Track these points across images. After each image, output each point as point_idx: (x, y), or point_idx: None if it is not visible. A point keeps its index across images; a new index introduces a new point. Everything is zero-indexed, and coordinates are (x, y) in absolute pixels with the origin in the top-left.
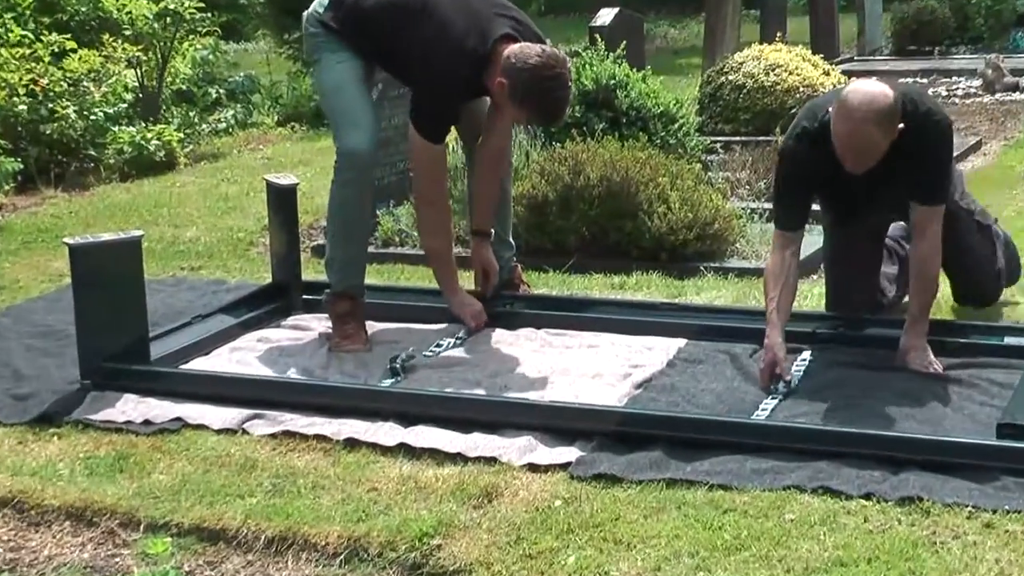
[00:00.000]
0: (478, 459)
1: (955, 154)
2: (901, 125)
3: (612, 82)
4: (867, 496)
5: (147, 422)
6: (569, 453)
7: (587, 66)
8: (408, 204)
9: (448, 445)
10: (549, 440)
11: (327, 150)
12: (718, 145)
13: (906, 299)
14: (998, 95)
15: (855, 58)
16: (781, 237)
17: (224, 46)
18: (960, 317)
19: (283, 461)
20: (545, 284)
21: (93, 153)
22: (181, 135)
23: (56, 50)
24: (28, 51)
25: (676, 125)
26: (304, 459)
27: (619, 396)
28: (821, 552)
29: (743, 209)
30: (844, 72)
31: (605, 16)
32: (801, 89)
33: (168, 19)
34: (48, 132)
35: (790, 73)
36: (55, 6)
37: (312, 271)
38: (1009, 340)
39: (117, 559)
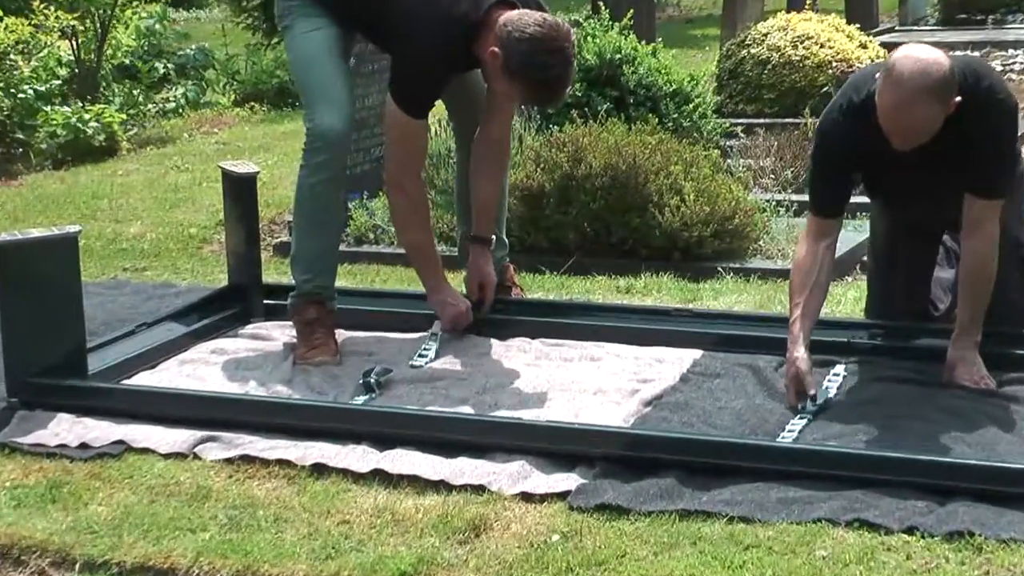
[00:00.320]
0: (464, 487)
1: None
2: (958, 99)
3: (618, 56)
4: (910, 530)
5: (84, 446)
6: (568, 480)
7: (589, 38)
8: (383, 197)
9: (430, 471)
10: (545, 466)
11: (292, 134)
12: (739, 128)
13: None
14: None
15: (896, 28)
16: (816, 224)
17: (173, 14)
18: None
19: (240, 490)
20: (541, 287)
21: (22, 136)
22: (123, 116)
23: None
24: None
25: (690, 106)
26: (265, 488)
27: (625, 415)
28: None
29: (767, 202)
30: (883, 45)
31: None
32: (834, 64)
33: None
34: None
35: (821, 46)
36: None
37: (274, 272)
38: None
39: None
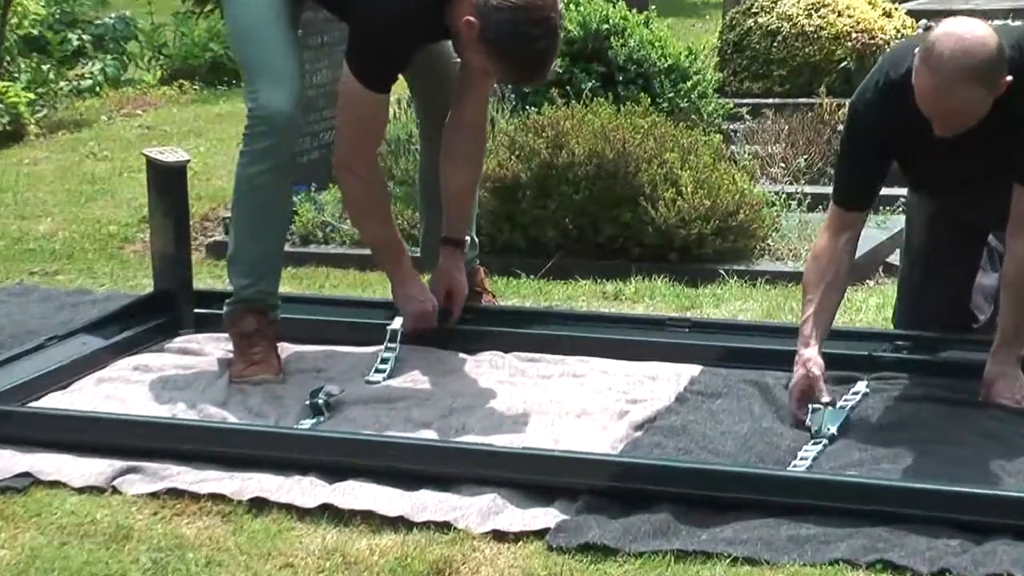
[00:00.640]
0: (427, 525)
1: None
2: (1009, 78)
3: (605, 27)
4: (941, 573)
5: None
6: (547, 516)
7: (572, 6)
8: (335, 188)
9: (387, 506)
10: (520, 499)
11: (228, 116)
12: (744, 110)
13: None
14: None
15: None
16: (838, 216)
17: None
18: None
19: (167, 529)
20: (516, 293)
21: None
22: (31, 96)
23: None
24: None
25: (688, 84)
26: (195, 526)
27: (613, 441)
28: None
29: (776, 194)
30: (910, 13)
31: None
32: (854, 35)
33: None
34: None
35: (839, 14)
36: None
37: (207, 276)
38: None
39: None
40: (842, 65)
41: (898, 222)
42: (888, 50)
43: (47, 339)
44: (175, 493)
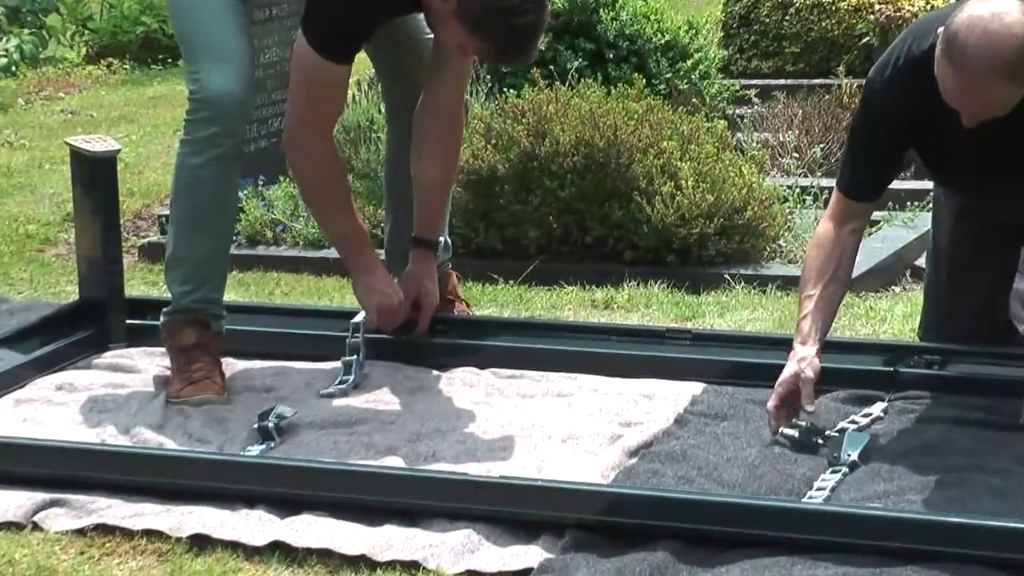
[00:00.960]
0: (392, 565)
1: None
2: None
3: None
4: None
5: None
6: (529, 555)
7: None
8: (286, 182)
9: (346, 544)
10: (499, 535)
11: (163, 100)
12: (752, 92)
13: None
14: None
15: None
16: (843, 204)
17: None
18: None
19: (95, 571)
20: (493, 301)
21: None
22: None
23: None
24: None
25: (688, 63)
26: (128, 566)
27: (604, 469)
28: None
29: (788, 189)
30: None
31: None
32: (877, 7)
33: None
34: None
35: None
36: None
37: (140, 282)
38: None
39: None
40: (863, 41)
41: (926, 220)
42: (916, 22)
43: None
44: (105, 529)
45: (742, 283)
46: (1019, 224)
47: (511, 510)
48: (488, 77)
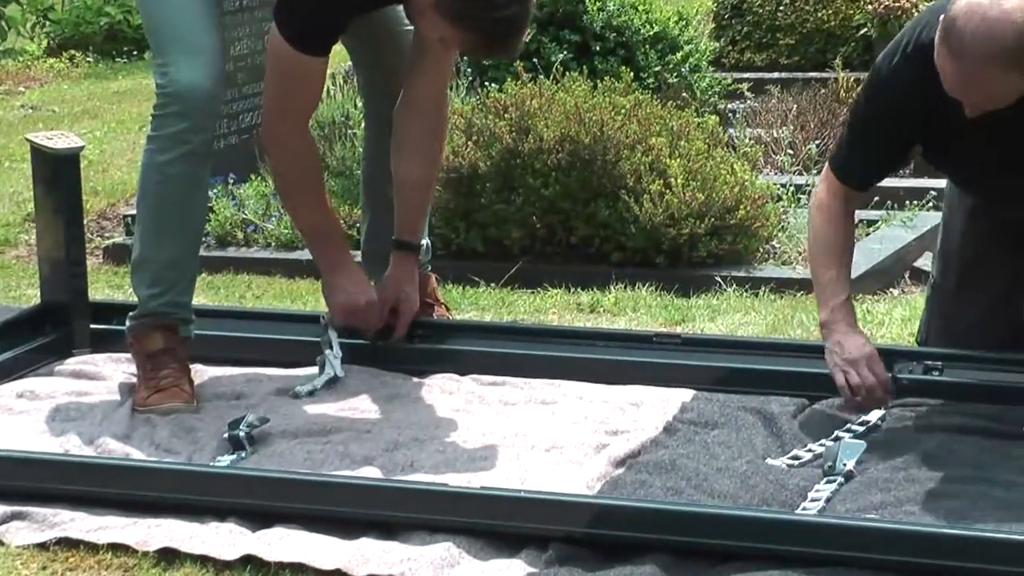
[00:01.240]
0: None
1: None
2: None
3: None
4: None
5: None
6: (512, 569)
7: None
8: (257, 180)
9: (322, 558)
10: (480, 549)
11: (128, 94)
12: (744, 86)
13: None
14: None
15: None
16: (839, 186)
17: None
18: None
19: None
20: (474, 304)
21: None
22: None
23: None
24: None
25: (678, 55)
26: None
27: (589, 479)
28: None
29: (783, 187)
30: None
31: None
32: None
33: None
34: None
35: None
36: None
37: (105, 285)
38: None
39: None
40: (861, 32)
41: (927, 219)
42: (930, 6)
43: None
44: (68, 543)
45: (734, 285)
46: None
47: (492, 522)
48: (469, 70)
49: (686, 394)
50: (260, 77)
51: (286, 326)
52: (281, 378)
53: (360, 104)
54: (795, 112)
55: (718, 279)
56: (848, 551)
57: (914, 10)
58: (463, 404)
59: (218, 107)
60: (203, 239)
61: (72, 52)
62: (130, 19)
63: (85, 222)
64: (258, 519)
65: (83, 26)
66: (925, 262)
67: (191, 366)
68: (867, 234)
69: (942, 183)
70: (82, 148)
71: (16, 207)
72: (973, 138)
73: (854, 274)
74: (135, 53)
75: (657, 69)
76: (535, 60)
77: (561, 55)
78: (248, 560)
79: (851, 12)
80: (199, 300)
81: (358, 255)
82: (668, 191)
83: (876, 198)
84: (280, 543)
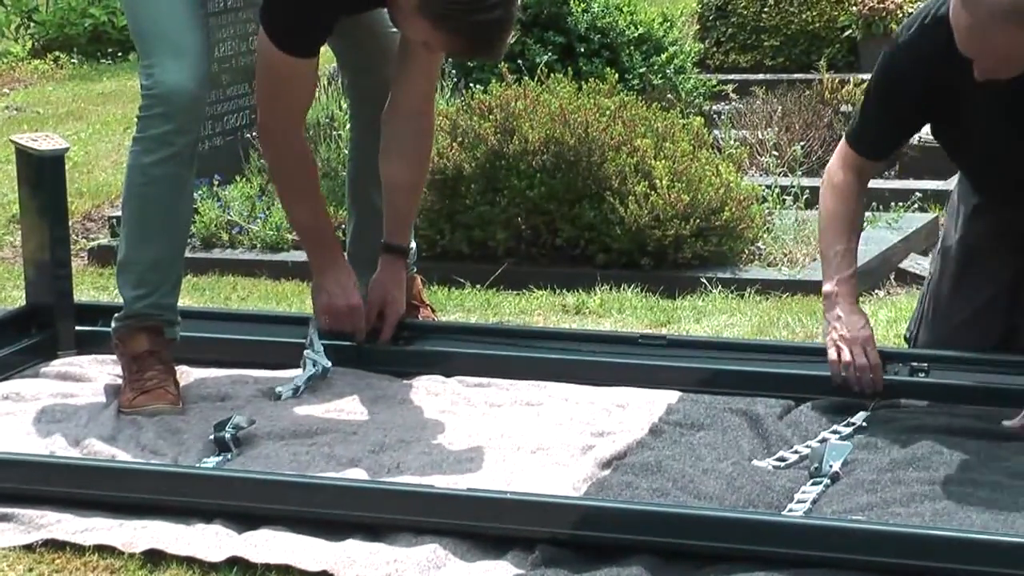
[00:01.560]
0: None
1: None
2: None
3: None
4: None
5: None
6: (497, 570)
7: None
8: (242, 182)
9: (308, 560)
10: (466, 551)
11: (113, 96)
12: (729, 88)
13: None
14: None
15: None
16: (853, 158)
17: None
18: None
19: None
20: (459, 306)
21: None
22: None
23: None
24: None
25: (663, 56)
26: None
27: (575, 481)
28: None
29: (768, 188)
30: None
31: None
32: None
33: None
34: None
35: None
36: None
37: (90, 287)
38: None
39: None
40: (846, 34)
41: (912, 221)
42: None
43: None
44: (54, 545)
45: (719, 287)
46: None
47: (479, 524)
48: (454, 72)
49: (672, 396)
50: (245, 79)
51: (272, 328)
52: (267, 380)
53: (345, 106)
54: (780, 113)
55: (703, 280)
56: (834, 552)
57: (898, 12)
58: (449, 406)
59: (203, 109)
60: (188, 241)
61: (57, 53)
62: (115, 20)
63: (70, 224)
64: (244, 521)
65: (67, 27)
66: (911, 263)
67: (177, 368)
68: None
69: (928, 185)
70: (67, 150)
71: (1, 209)
72: (986, 115)
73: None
74: (120, 55)
75: (642, 71)
76: (520, 62)
77: (546, 57)
78: (234, 562)
79: (836, 14)
80: (184, 302)
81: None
82: (653, 192)
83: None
84: (266, 544)
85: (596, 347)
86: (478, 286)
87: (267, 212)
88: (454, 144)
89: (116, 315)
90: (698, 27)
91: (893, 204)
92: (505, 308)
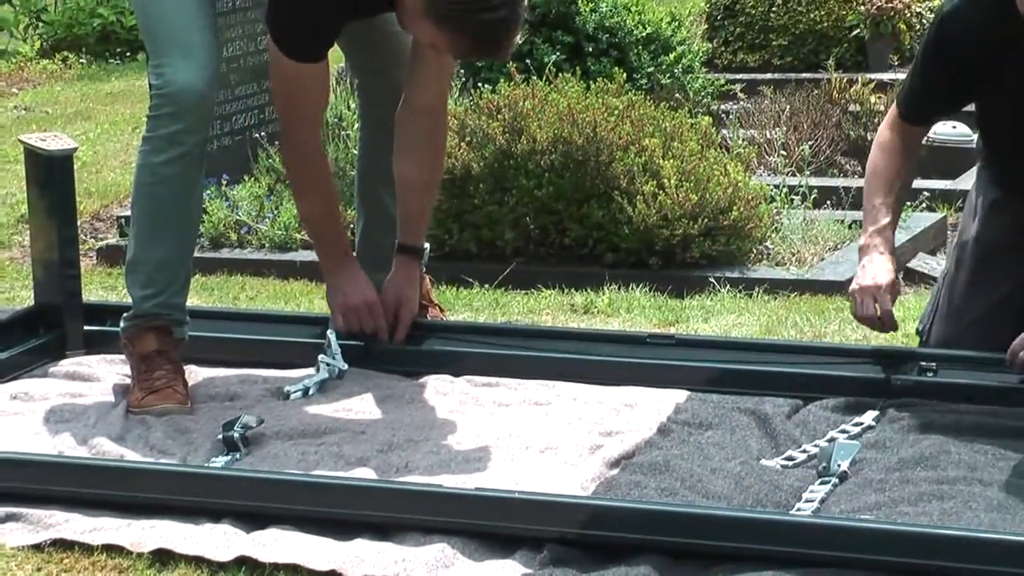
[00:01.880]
0: None
1: None
2: None
3: None
4: None
5: None
6: (506, 570)
7: None
8: (251, 182)
9: (316, 559)
10: (475, 550)
11: (122, 95)
12: (737, 87)
13: None
14: None
15: None
16: (898, 120)
17: None
18: None
19: None
20: (467, 305)
21: None
22: None
23: None
24: None
25: (671, 56)
26: None
27: (583, 480)
28: None
29: (776, 188)
30: None
31: None
32: None
33: None
34: None
35: None
36: None
37: (99, 287)
38: None
39: None
40: (854, 33)
41: (920, 220)
42: None
43: None
44: (63, 545)
45: (727, 286)
46: None
47: (487, 523)
48: (462, 72)
49: (680, 395)
50: (253, 78)
51: (280, 327)
52: (275, 379)
53: (353, 106)
54: (788, 113)
55: (712, 280)
56: (842, 552)
57: (907, 12)
58: (457, 405)
59: (212, 109)
60: (197, 240)
61: (65, 53)
62: (123, 20)
63: (78, 223)
64: (253, 520)
65: (76, 27)
66: (919, 263)
67: (185, 367)
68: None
69: (936, 184)
70: (75, 149)
71: (9, 209)
72: None
73: (845, 276)
74: (128, 54)
75: (650, 70)
76: (528, 61)
77: (554, 56)
78: (242, 561)
79: (844, 13)
80: (193, 301)
81: None
82: (661, 192)
83: None
84: (274, 544)
85: (604, 346)
86: (486, 285)
87: (275, 212)
88: (462, 144)
89: (125, 315)
90: (706, 26)
91: (904, 204)
92: (513, 308)
